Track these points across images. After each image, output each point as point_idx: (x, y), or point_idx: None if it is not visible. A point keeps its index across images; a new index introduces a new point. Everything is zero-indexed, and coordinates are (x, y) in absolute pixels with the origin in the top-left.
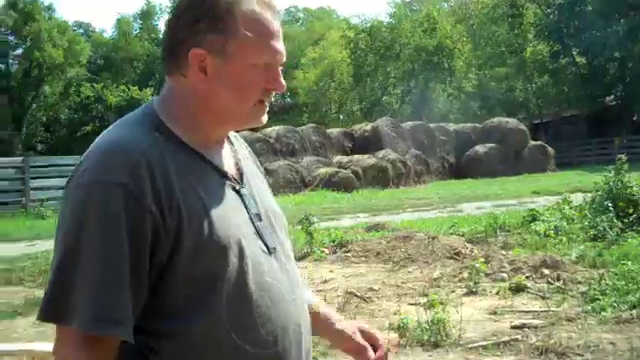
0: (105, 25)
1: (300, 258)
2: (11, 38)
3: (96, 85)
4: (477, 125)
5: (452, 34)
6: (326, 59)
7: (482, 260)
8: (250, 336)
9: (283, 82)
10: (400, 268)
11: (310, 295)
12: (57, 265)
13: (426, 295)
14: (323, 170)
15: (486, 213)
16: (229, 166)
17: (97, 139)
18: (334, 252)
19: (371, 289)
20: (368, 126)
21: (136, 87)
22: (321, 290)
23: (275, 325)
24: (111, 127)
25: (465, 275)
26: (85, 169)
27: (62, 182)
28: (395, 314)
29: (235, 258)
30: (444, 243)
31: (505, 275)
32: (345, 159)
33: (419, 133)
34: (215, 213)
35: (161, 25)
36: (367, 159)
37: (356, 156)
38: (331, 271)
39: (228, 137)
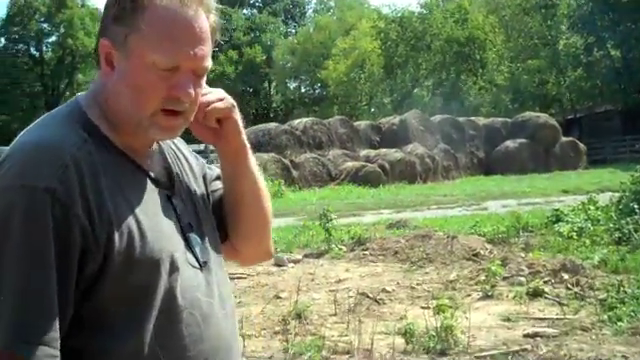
0: None
1: (317, 255)
2: (45, 25)
3: None
4: (508, 120)
5: (484, 25)
6: (357, 50)
7: (499, 263)
8: (179, 356)
9: (190, 91)
10: (417, 268)
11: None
12: None
13: (438, 298)
14: (350, 164)
15: (511, 212)
16: (159, 171)
17: (20, 136)
18: (352, 250)
19: (384, 290)
20: (396, 119)
21: None
22: (334, 290)
23: (206, 345)
24: (35, 124)
25: (482, 278)
26: (7, 170)
27: None
28: (402, 318)
29: (165, 274)
30: (463, 243)
31: (523, 279)
32: (372, 153)
33: (448, 127)
34: (147, 224)
35: None
36: (394, 153)
37: (383, 150)
38: (347, 270)
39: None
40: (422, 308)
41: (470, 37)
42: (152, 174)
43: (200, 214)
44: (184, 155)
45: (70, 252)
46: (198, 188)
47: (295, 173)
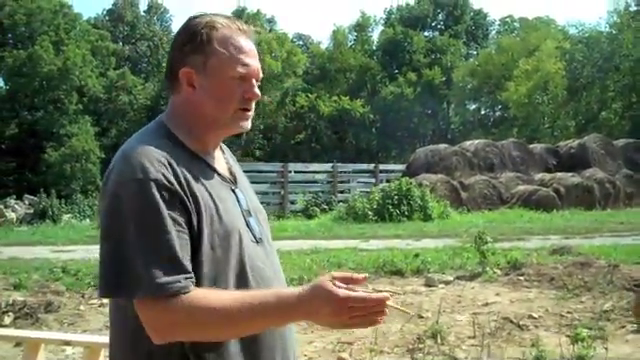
0: (323, 36)
1: (470, 278)
2: None
3: (310, 95)
4: None
5: None
6: (539, 71)
7: None
8: None
9: (257, 91)
10: (572, 297)
11: None
12: (113, 248)
13: (590, 328)
14: (522, 187)
15: None
16: (223, 169)
17: (126, 146)
18: (507, 274)
19: (530, 316)
20: (574, 142)
21: (347, 98)
22: (478, 313)
23: None
24: (135, 136)
25: None
26: (122, 171)
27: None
28: (533, 345)
29: (236, 245)
30: (625, 273)
31: None
32: (547, 177)
33: (632, 152)
34: (221, 206)
35: (375, 36)
36: (571, 177)
37: (559, 174)
38: (497, 294)
39: (220, 147)
40: (567, 337)
41: None
42: (219, 171)
43: (255, 204)
44: (236, 162)
45: (179, 218)
46: (250, 186)
47: (464, 195)
